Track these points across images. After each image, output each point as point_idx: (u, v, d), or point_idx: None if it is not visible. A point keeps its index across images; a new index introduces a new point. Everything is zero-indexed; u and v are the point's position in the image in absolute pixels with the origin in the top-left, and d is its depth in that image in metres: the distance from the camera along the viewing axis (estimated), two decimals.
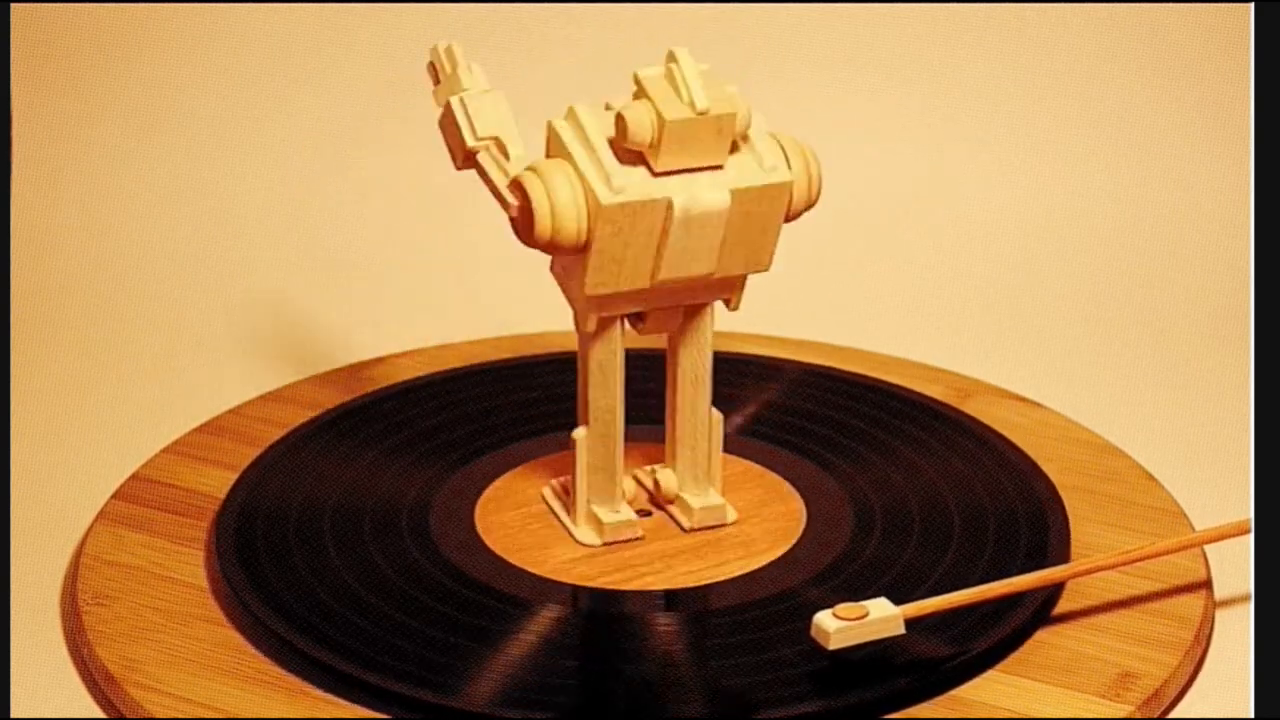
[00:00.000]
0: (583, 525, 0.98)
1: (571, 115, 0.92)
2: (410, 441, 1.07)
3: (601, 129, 0.91)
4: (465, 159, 0.97)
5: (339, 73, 1.42)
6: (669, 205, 0.90)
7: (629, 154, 0.91)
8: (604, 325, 0.95)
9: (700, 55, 0.92)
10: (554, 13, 1.42)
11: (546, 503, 1.01)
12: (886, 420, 1.09)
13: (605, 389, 0.96)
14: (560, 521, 0.99)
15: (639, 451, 1.02)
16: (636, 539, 0.98)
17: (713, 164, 0.91)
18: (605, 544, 0.97)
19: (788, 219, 0.94)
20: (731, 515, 1.00)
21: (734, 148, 0.92)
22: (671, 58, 0.90)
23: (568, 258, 0.93)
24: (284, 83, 1.42)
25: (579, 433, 0.96)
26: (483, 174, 0.95)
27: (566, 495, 1.00)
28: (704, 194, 0.91)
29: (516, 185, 0.92)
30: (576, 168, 0.91)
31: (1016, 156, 1.40)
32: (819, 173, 0.94)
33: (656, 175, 0.91)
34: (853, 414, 1.10)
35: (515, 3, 1.42)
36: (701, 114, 0.89)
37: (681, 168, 0.91)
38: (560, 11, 1.42)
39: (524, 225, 0.91)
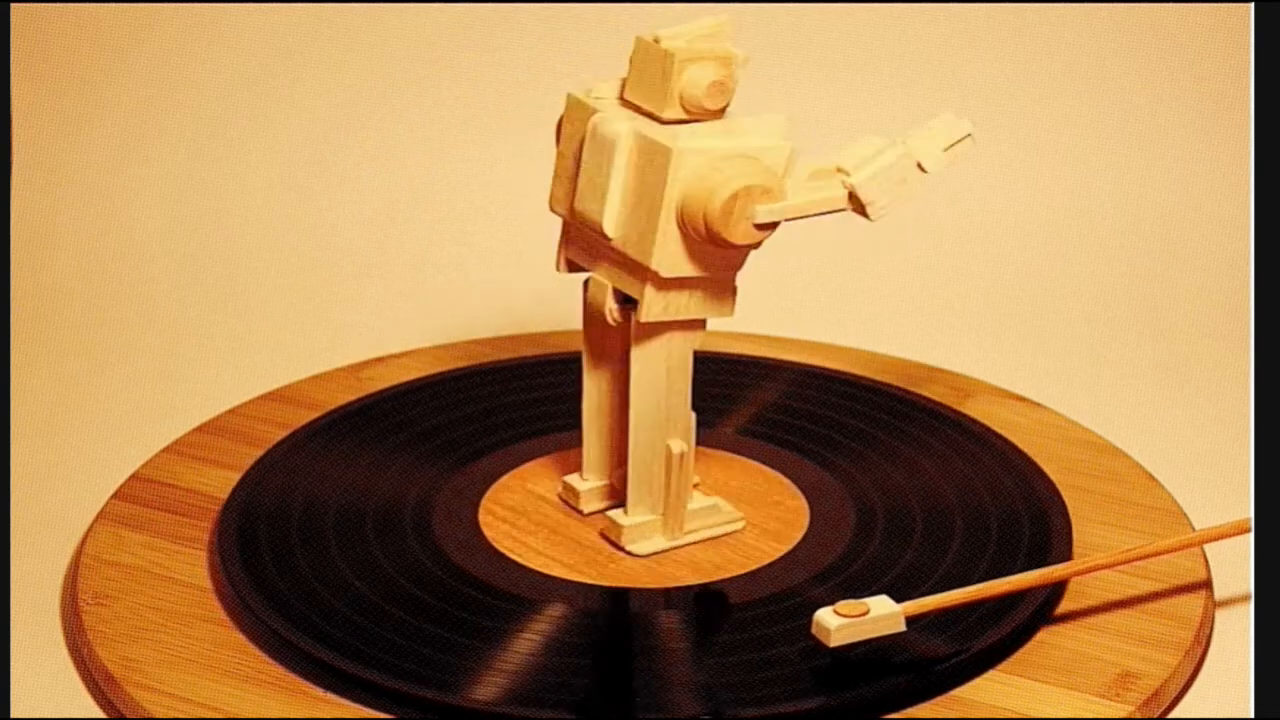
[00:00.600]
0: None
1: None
2: (411, 441, 1.07)
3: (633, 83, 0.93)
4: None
5: (339, 73, 1.42)
6: (593, 117, 0.91)
7: (628, 104, 0.92)
8: (591, 310, 0.94)
9: None
10: (554, 12, 1.42)
11: (564, 500, 1.01)
12: (887, 420, 1.09)
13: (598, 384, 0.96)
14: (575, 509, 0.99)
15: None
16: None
17: (656, 112, 0.91)
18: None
19: (687, 232, 0.90)
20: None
21: (703, 117, 0.91)
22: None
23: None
24: (284, 83, 1.42)
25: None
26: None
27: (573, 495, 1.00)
28: (613, 121, 0.91)
29: None
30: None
31: (1016, 156, 1.40)
32: (731, 207, 0.88)
33: (621, 101, 0.92)
34: (853, 414, 1.10)
35: (515, 3, 1.42)
36: (657, 42, 0.90)
37: (638, 104, 0.91)
38: (560, 11, 1.42)
39: None
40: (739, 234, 0.89)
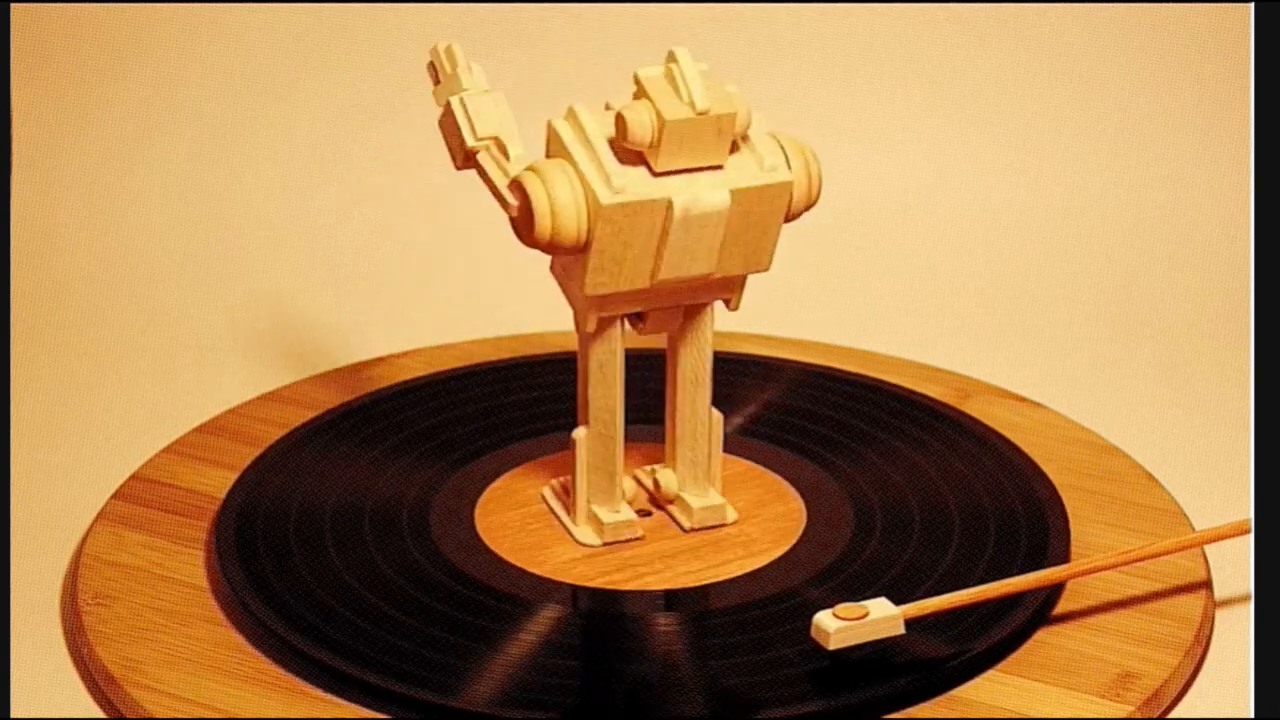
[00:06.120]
0: (583, 525, 0.98)
1: (571, 115, 0.92)
2: (410, 441, 1.07)
3: (601, 129, 0.91)
4: (465, 159, 0.97)
5: (339, 73, 1.42)
6: (669, 205, 0.90)
7: (629, 154, 0.91)
8: (604, 325, 0.95)
9: (700, 55, 0.91)
10: (554, 12, 1.42)
11: (546, 502, 1.01)
12: (886, 420, 1.09)
13: (605, 389, 0.96)
14: (560, 521, 0.99)
15: (639, 451, 1.02)
16: (636, 539, 0.98)
17: (712, 164, 0.91)
18: (605, 544, 0.97)
19: (788, 219, 0.94)
20: (731, 515, 1.00)
21: (734, 147, 0.92)
22: (671, 57, 0.90)
23: (567, 258, 0.93)
24: (284, 83, 1.42)
25: (579, 432, 0.96)
26: (482, 174, 0.95)
27: (566, 495, 1.00)
28: (704, 194, 0.90)
29: (516, 185, 0.92)
30: (576, 167, 0.91)
31: (1016, 156, 1.40)
32: (819, 172, 0.94)
33: (656, 175, 0.90)
34: (853, 414, 1.10)
35: (515, 2, 1.42)
36: (701, 114, 0.89)
37: (681, 167, 0.91)
38: (560, 11, 1.42)
39: (524, 225, 0.91)
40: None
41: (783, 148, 0.93)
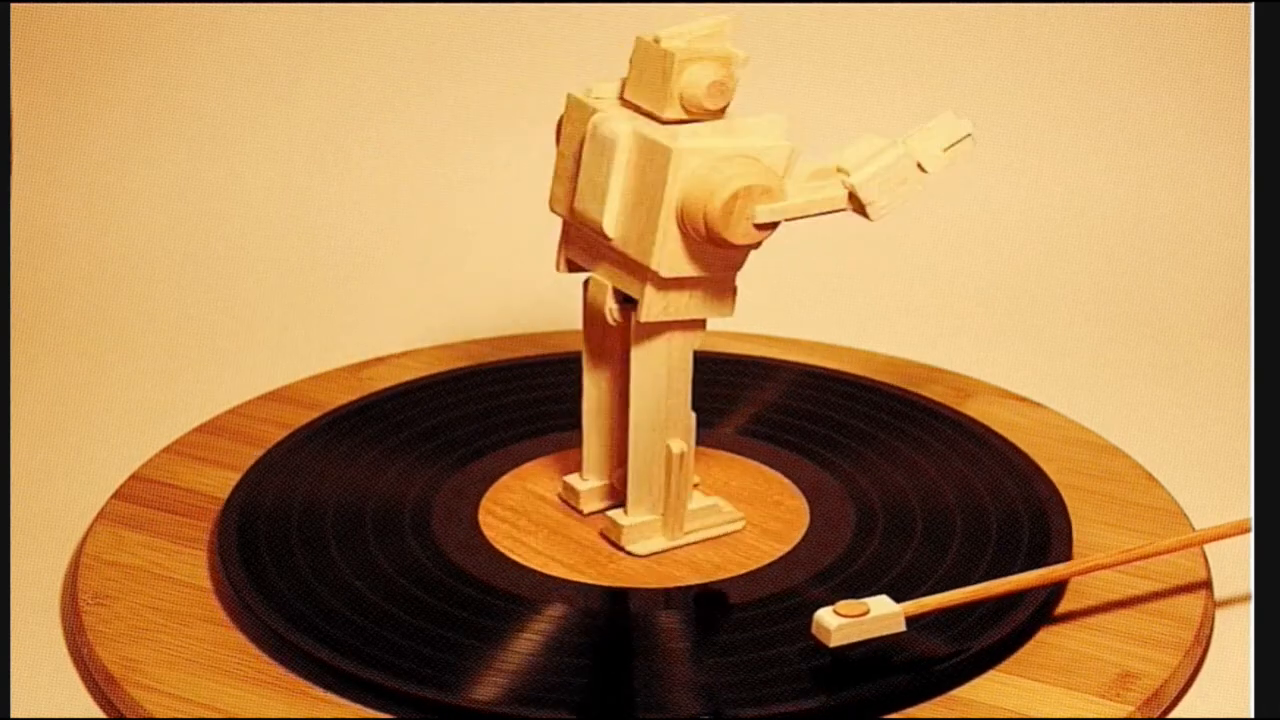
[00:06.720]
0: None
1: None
2: (411, 441, 1.07)
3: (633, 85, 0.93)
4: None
5: (339, 73, 1.42)
6: (593, 117, 0.91)
7: (629, 104, 0.93)
8: (590, 311, 0.94)
9: None
10: (554, 12, 1.42)
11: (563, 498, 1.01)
12: (887, 420, 1.09)
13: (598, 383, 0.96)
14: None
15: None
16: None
17: (657, 111, 0.91)
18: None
19: (687, 231, 0.90)
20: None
21: (698, 120, 0.91)
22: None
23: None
24: (284, 83, 1.42)
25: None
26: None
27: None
28: (612, 121, 0.91)
29: None
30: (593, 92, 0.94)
31: (1016, 156, 1.40)
32: (735, 208, 0.88)
33: (620, 102, 0.93)
34: (853, 414, 1.10)
35: (515, 2, 1.42)
36: (655, 42, 0.90)
37: (637, 103, 0.92)
38: (560, 11, 1.42)
39: None
40: (739, 234, 0.89)
41: (735, 157, 0.89)
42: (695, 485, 0.99)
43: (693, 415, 0.96)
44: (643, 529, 0.97)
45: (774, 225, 0.90)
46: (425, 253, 1.36)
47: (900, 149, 0.91)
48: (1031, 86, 1.41)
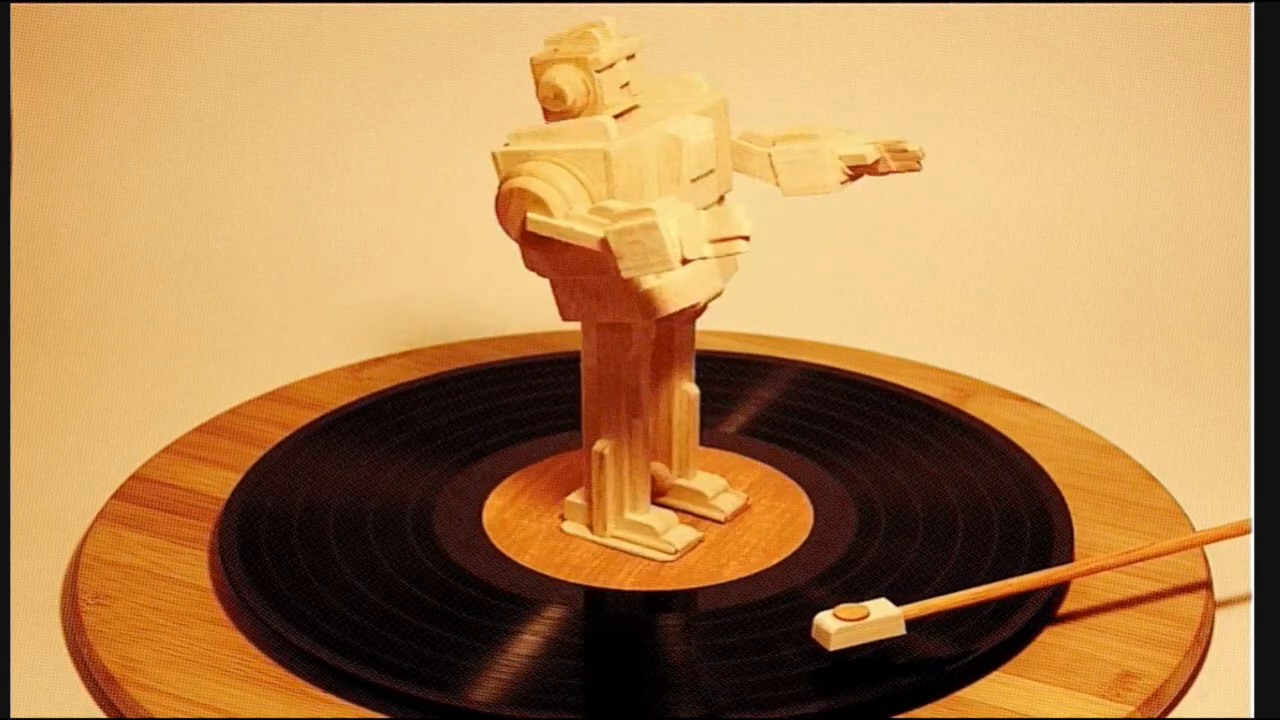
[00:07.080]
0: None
1: None
2: (412, 442, 1.07)
3: None
4: None
5: (338, 73, 1.42)
6: None
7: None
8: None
9: (701, 55, 0.92)
10: (554, 12, 1.42)
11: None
12: (887, 420, 1.09)
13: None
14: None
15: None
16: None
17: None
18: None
19: (502, 220, 0.92)
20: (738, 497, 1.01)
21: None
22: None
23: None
24: (283, 83, 1.42)
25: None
26: None
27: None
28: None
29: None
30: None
31: (1016, 156, 1.40)
32: (507, 203, 0.90)
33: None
34: (853, 414, 1.10)
35: (515, 2, 1.42)
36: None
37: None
38: (560, 11, 1.42)
39: None
40: (512, 229, 0.91)
41: (553, 167, 0.91)
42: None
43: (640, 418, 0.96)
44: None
45: (546, 238, 0.89)
46: (425, 253, 1.36)
47: (673, 227, 0.85)
48: (1031, 86, 1.41)
